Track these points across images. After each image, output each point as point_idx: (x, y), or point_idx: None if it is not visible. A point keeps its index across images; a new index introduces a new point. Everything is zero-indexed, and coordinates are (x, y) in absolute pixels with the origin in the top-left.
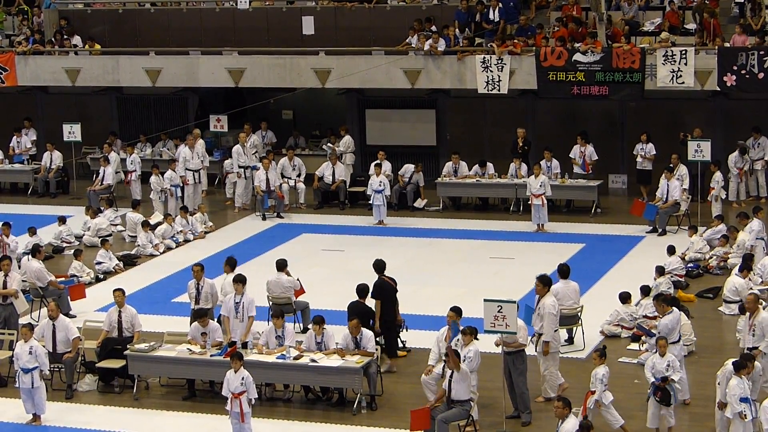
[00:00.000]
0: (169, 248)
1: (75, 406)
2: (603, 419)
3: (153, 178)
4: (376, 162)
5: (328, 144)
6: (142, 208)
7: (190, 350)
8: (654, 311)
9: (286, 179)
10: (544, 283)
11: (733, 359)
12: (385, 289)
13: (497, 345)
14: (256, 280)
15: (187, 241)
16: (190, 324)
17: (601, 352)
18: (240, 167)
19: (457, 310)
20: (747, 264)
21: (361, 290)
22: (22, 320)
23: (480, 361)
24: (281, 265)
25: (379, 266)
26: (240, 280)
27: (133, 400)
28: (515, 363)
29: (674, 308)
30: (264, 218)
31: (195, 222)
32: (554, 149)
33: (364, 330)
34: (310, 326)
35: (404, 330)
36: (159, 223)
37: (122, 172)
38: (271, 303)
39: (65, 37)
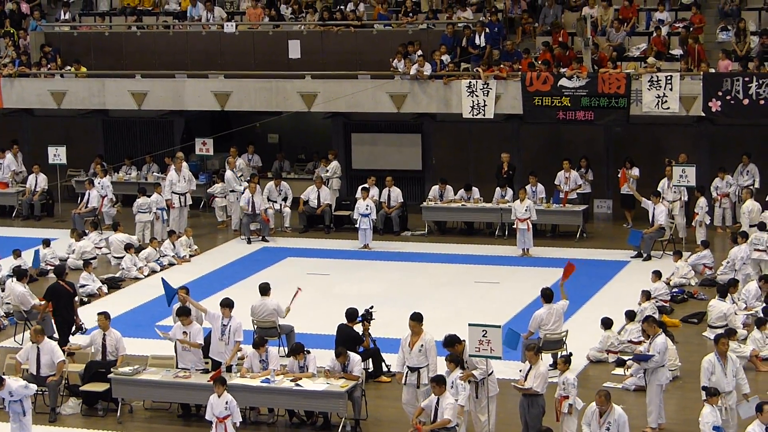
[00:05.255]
0: (153, 271)
1: (59, 430)
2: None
3: (140, 200)
4: (363, 186)
5: (324, 170)
6: (125, 229)
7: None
8: (639, 336)
9: (271, 203)
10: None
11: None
12: (59, 293)
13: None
14: (240, 304)
15: (171, 264)
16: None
17: (566, 359)
18: (232, 192)
19: (417, 317)
20: (727, 289)
21: (350, 314)
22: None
23: (468, 393)
24: (264, 289)
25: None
26: (227, 304)
27: (117, 424)
28: (530, 407)
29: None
30: (249, 242)
31: (179, 245)
32: (539, 174)
33: (352, 355)
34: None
35: (82, 331)
36: (143, 247)
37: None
38: (255, 327)
39: (50, 58)
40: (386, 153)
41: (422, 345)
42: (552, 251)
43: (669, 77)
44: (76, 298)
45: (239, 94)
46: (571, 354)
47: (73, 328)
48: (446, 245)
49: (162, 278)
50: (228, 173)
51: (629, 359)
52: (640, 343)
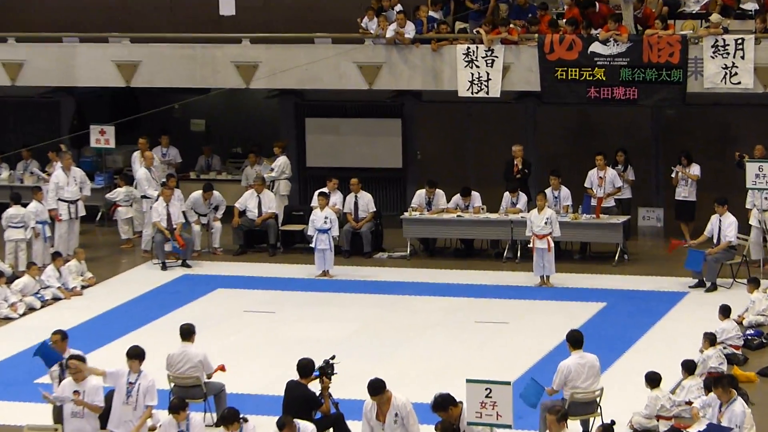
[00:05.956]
0: (32, 308)
1: None
2: None
3: (11, 211)
4: (321, 190)
5: (268, 168)
6: None
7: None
8: (700, 395)
9: (197, 215)
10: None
11: None
12: None
13: None
14: (153, 353)
15: (56, 299)
16: None
17: (605, 429)
18: (144, 198)
19: (376, 389)
20: None
21: (303, 367)
22: None
23: None
24: (187, 333)
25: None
26: (134, 355)
27: None
28: None
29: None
30: (164, 267)
31: (67, 273)
32: (564, 173)
33: (303, 425)
34: None
35: None
36: (16, 275)
37: None
38: (172, 386)
39: None
40: (353, 145)
41: (396, 414)
42: (581, 279)
43: (740, 41)
44: None
45: (150, 65)
46: (613, 423)
47: None
48: (436, 272)
49: (43, 346)
50: (140, 172)
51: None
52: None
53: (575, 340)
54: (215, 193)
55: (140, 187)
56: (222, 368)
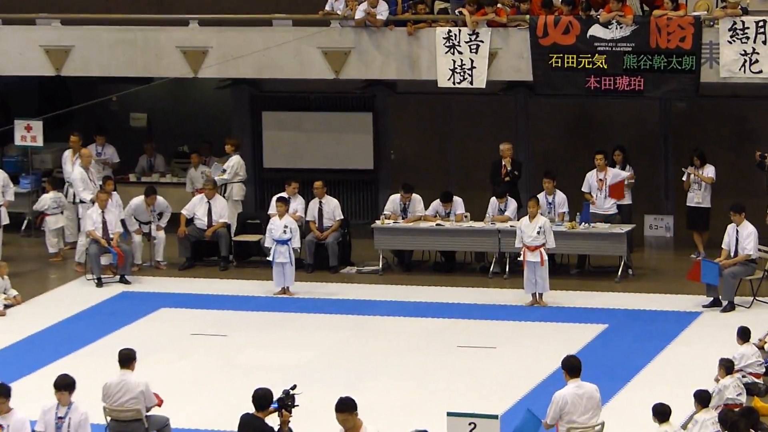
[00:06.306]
0: None
1: None
2: None
3: None
4: (280, 195)
5: (220, 169)
6: None
7: None
8: (714, 431)
9: (139, 224)
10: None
11: None
12: None
13: None
14: (86, 382)
15: None
16: None
17: None
18: (79, 203)
19: (345, 407)
20: None
21: (260, 398)
22: None
23: None
24: (126, 359)
25: None
26: (64, 385)
27: None
28: None
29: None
30: (100, 284)
31: None
32: (559, 176)
33: None
34: None
35: None
36: None
37: None
38: (109, 420)
39: None
40: (317, 143)
41: None
42: (579, 298)
43: (761, 23)
44: None
45: (84, 51)
46: None
47: None
48: (412, 289)
49: None
50: (76, 172)
51: None
52: None
53: (572, 367)
54: (159, 198)
55: (75, 190)
56: (160, 402)
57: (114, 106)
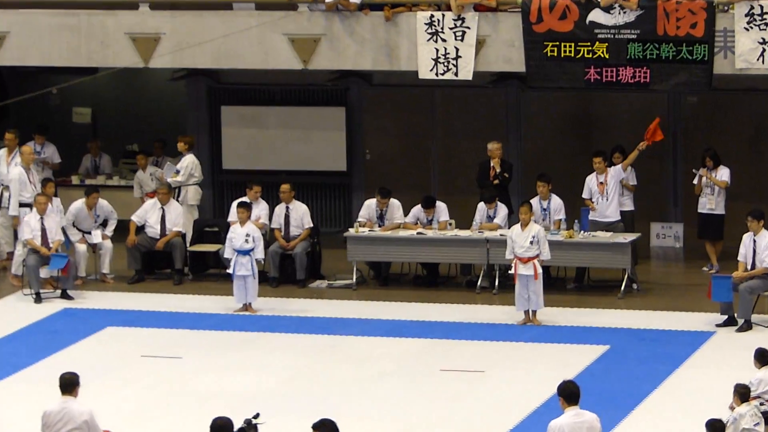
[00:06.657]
0: None
1: None
2: None
3: None
4: (241, 200)
5: (173, 170)
6: None
7: None
8: None
9: (82, 233)
10: None
11: None
12: None
13: None
14: (24, 411)
15: None
16: None
17: None
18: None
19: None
20: None
21: (220, 428)
22: None
23: None
24: (68, 384)
25: None
26: None
27: None
28: None
29: None
30: (39, 299)
31: None
32: (555, 179)
33: None
34: None
35: None
36: None
37: None
38: None
39: None
40: (284, 142)
41: None
42: (577, 316)
43: None
44: None
45: (21, 38)
46: None
47: None
48: (390, 305)
49: None
50: (14, 172)
51: None
52: None
53: (570, 393)
54: (101, 201)
55: (12, 192)
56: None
57: (54, 99)
